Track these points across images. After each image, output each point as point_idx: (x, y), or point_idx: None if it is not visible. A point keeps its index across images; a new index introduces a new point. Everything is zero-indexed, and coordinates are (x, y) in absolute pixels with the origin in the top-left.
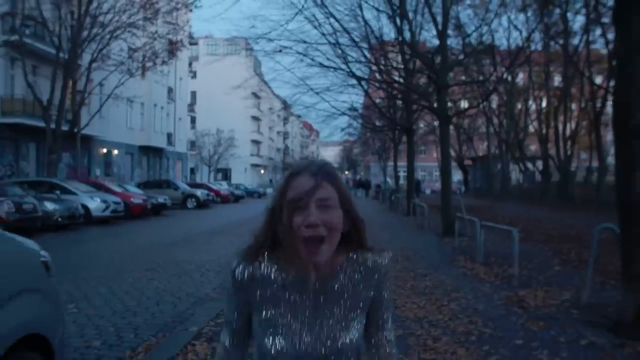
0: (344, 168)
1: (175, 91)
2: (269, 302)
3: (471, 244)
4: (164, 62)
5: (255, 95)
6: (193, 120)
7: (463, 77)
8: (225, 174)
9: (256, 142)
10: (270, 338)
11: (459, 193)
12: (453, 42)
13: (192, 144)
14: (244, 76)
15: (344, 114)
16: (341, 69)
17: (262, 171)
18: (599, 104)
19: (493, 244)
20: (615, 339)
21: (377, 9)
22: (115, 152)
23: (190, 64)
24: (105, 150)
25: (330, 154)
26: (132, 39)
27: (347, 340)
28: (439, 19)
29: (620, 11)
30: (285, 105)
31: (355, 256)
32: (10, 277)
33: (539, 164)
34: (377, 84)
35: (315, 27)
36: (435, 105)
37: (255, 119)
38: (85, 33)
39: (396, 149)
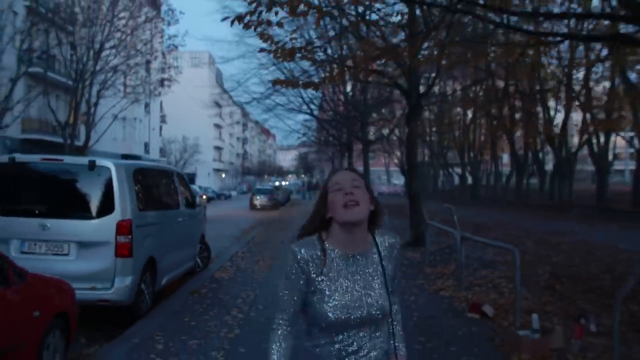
0: (300, 172)
1: (150, 105)
2: (323, 274)
3: None
4: (159, 94)
5: (217, 104)
6: (160, 128)
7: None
8: (191, 179)
9: (218, 148)
10: (323, 304)
11: (402, 194)
12: None
13: (160, 151)
14: (206, 87)
15: (297, 132)
16: (303, 112)
17: (224, 175)
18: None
19: (394, 226)
20: (405, 248)
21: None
22: None
23: (162, 81)
24: None
25: (287, 158)
26: (131, 74)
27: (384, 303)
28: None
29: (408, 115)
30: (244, 112)
31: (379, 237)
32: (202, 216)
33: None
34: (326, 117)
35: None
36: (360, 134)
37: (217, 126)
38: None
39: (342, 158)
